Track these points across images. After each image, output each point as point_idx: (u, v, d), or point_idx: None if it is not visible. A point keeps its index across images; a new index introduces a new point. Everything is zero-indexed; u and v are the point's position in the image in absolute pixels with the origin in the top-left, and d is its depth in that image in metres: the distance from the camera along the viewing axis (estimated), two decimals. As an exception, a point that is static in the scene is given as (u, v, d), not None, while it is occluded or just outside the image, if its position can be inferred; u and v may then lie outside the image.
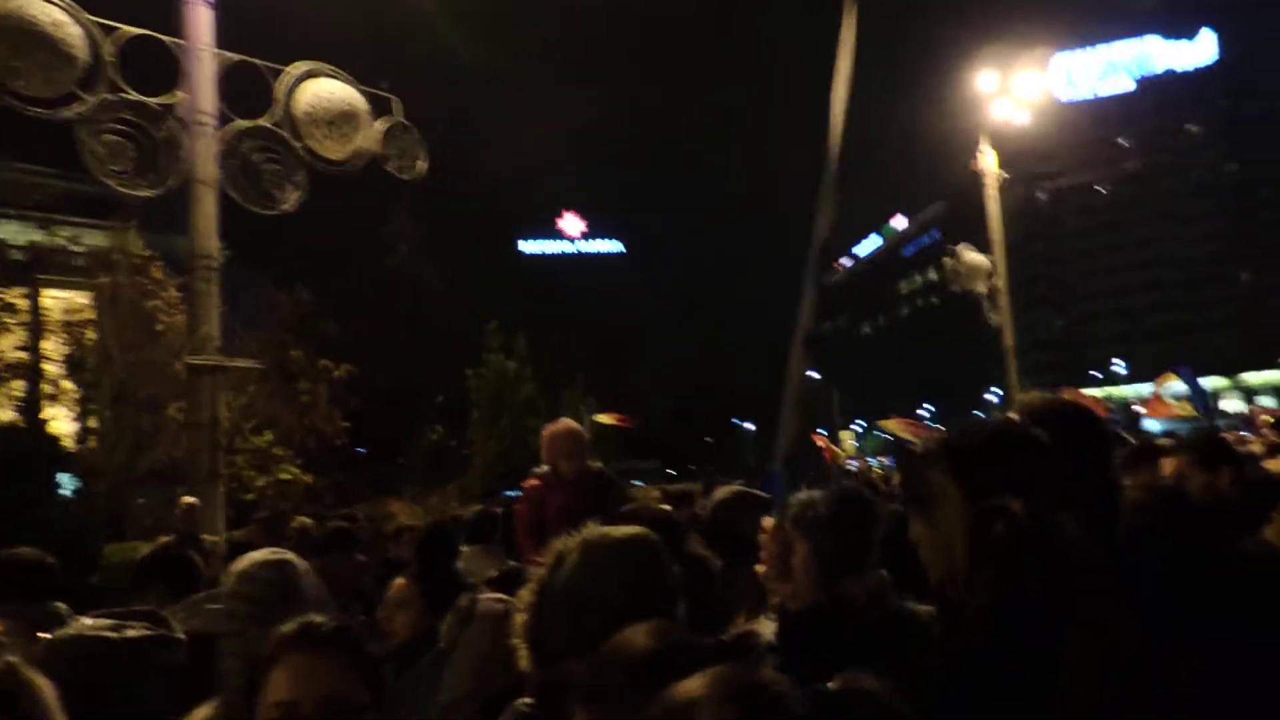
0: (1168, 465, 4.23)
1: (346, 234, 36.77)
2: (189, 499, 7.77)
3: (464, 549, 5.36)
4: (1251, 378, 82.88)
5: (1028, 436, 2.00)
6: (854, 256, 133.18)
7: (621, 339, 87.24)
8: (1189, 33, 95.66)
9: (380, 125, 10.09)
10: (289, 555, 2.60)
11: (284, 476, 18.01)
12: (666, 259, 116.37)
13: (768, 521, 2.27)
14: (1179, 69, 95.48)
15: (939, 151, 78.70)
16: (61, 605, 3.08)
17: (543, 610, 1.87)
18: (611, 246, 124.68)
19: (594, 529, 1.97)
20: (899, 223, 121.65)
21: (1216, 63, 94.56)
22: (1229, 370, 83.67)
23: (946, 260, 19.20)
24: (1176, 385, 13.61)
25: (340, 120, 9.79)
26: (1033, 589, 1.68)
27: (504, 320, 27.67)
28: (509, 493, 20.16)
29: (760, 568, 2.22)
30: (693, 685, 0.94)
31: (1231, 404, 74.07)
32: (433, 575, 3.41)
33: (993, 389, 62.40)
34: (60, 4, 7.88)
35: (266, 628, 2.07)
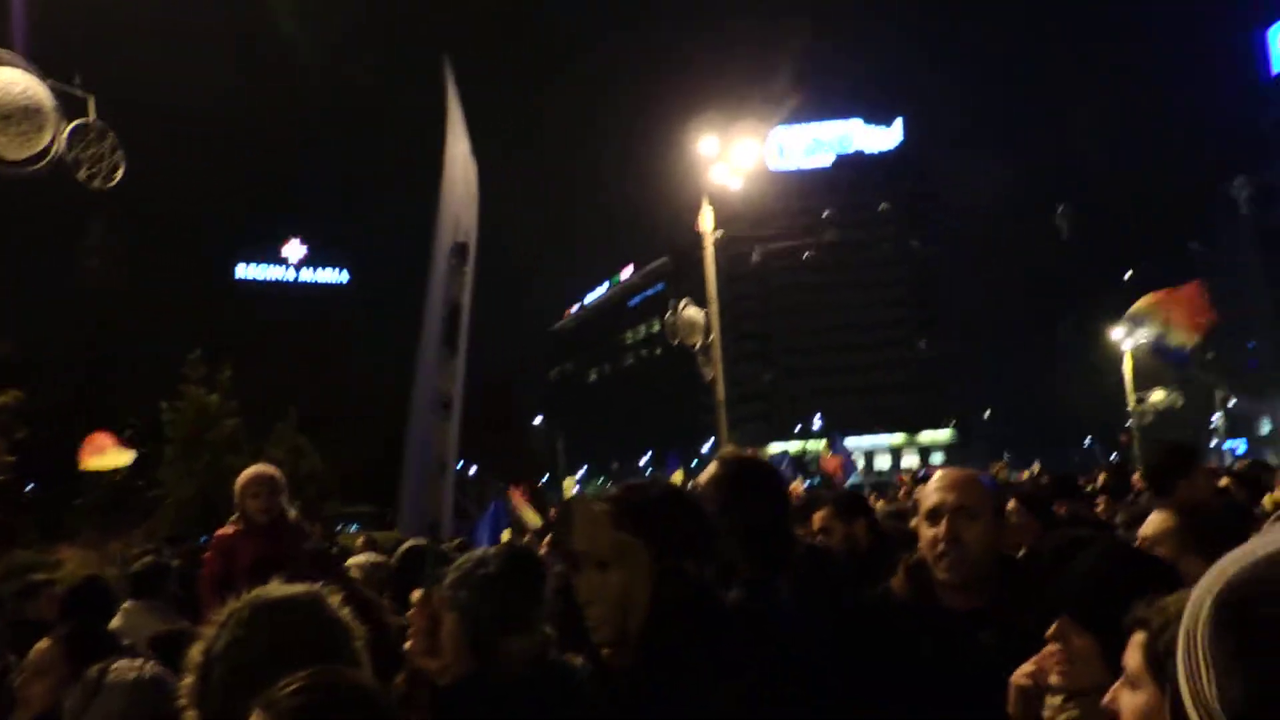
0: (818, 517, 4.59)
1: (28, 244, 32.89)
2: None
3: (127, 605, 4.82)
4: (926, 437, 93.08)
5: (692, 497, 2.11)
6: (583, 304, 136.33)
7: (341, 373, 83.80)
8: (887, 119, 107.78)
9: (69, 126, 9.12)
10: None
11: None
12: (392, 291, 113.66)
13: (415, 594, 2.20)
14: (871, 151, 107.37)
15: (666, 208, 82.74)
16: None
17: (207, 673, 1.75)
18: (335, 276, 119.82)
19: (257, 589, 1.86)
20: (627, 273, 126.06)
21: (900, 146, 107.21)
22: (909, 429, 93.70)
23: (668, 316, 20.07)
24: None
25: (21, 116, 8.71)
26: (691, 649, 1.75)
27: (210, 349, 25.70)
28: (205, 537, 18.62)
29: (407, 644, 2.14)
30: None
31: (910, 459, 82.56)
32: (81, 637, 3.02)
33: (711, 439, 65.75)
34: None
35: None
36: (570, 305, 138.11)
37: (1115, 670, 1.56)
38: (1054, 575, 2.06)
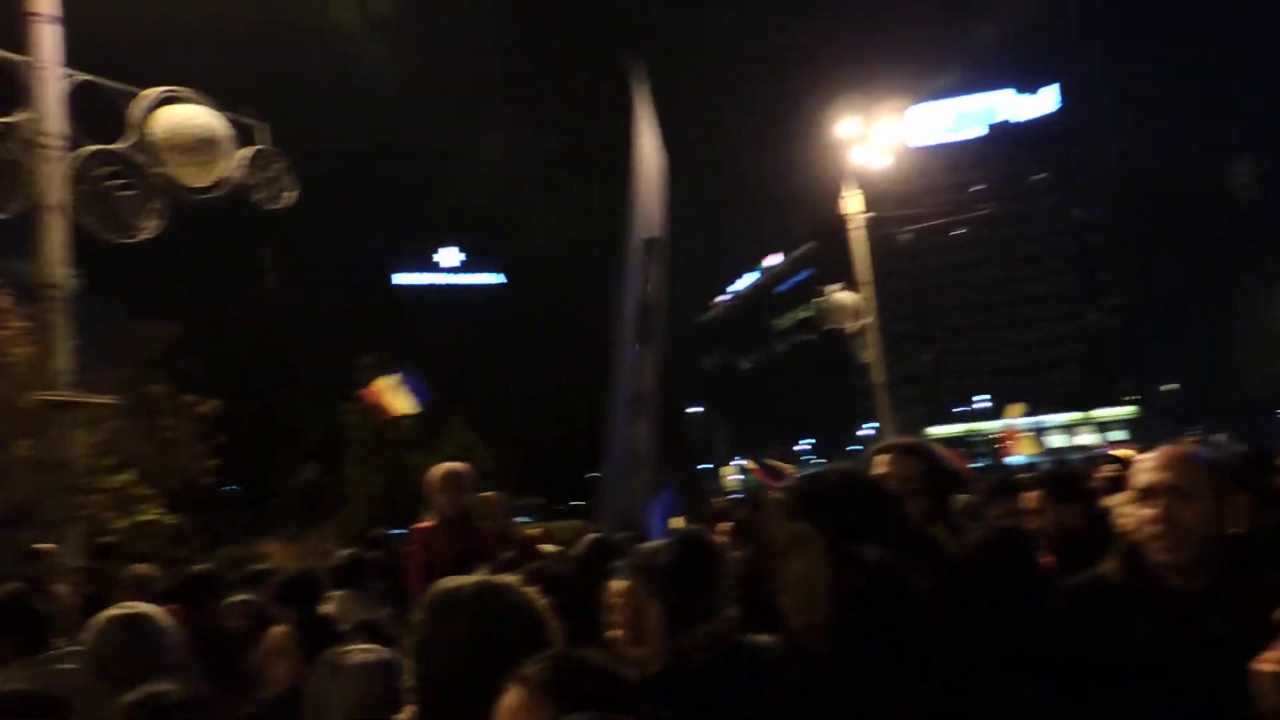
0: (1030, 499, 4.45)
1: (212, 264, 35.43)
2: (45, 545, 7.23)
3: (333, 594, 5.14)
4: (1104, 414, 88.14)
5: (875, 484, 2.08)
6: (731, 294, 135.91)
7: (504, 372, 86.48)
8: (1034, 87, 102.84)
9: (245, 153, 9.78)
10: (145, 610, 2.46)
11: (146, 518, 17.09)
12: (546, 292, 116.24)
13: (617, 584, 2.24)
14: (1021, 120, 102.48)
15: (809, 193, 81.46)
16: None
17: (424, 658, 1.84)
18: (491, 279, 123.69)
19: (446, 580, 1.94)
20: (774, 260, 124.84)
21: (1055, 113, 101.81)
22: (1083, 405, 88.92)
23: (817, 300, 19.82)
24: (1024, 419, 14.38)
25: (201, 146, 9.40)
26: (880, 636, 1.73)
27: (380, 353, 27.03)
28: (394, 530, 19.58)
29: (615, 633, 2.18)
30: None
31: (1086, 438, 78.49)
32: (311, 623, 3.28)
33: (867, 424, 64.38)
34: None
35: (119, 689, 1.95)
36: (716, 296, 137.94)
37: None
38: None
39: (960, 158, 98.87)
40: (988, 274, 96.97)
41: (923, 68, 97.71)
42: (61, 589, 6.19)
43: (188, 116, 9.45)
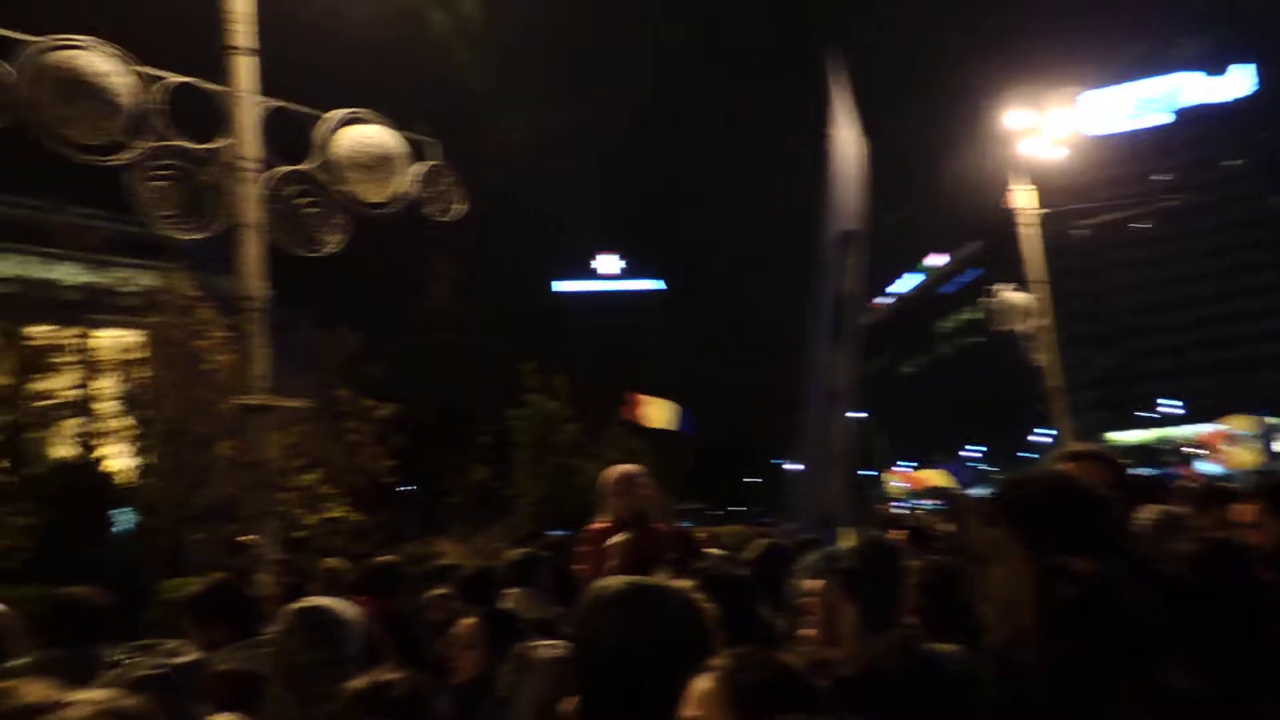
0: (1244, 511, 4.11)
1: (387, 275, 37.30)
2: (249, 537, 7.76)
3: (508, 591, 5.33)
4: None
5: (1082, 488, 1.95)
6: (892, 295, 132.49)
7: (662, 377, 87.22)
8: (1219, 69, 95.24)
9: (418, 168, 10.26)
10: (328, 604, 2.57)
11: (333, 515, 18.16)
12: (708, 297, 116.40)
13: (812, 583, 2.20)
14: (1210, 104, 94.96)
15: (975, 188, 78.44)
16: (104, 650, 3.07)
17: (587, 658, 1.87)
18: (650, 284, 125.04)
19: (601, 580, 1.96)
20: (937, 260, 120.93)
21: (1254, 95, 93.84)
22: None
23: (985, 300, 19.03)
24: (1242, 428, 13.28)
25: (378, 164, 9.93)
26: (1095, 650, 1.62)
27: (544, 359, 27.80)
28: (556, 531, 20.14)
29: (809, 631, 2.13)
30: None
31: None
32: (498, 617, 3.41)
33: (1039, 430, 61.39)
34: (108, 54, 8.13)
35: (318, 677, 2.06)
36: (876, 297, 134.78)
37: None
38: None
39: (1142, 146, 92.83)
40: (1173, 270, 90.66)
41: (1100, 52, 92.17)
42: (264, 579, 6.62)
43: (366, 136, 10.00)
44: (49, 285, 20.77)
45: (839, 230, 2.30)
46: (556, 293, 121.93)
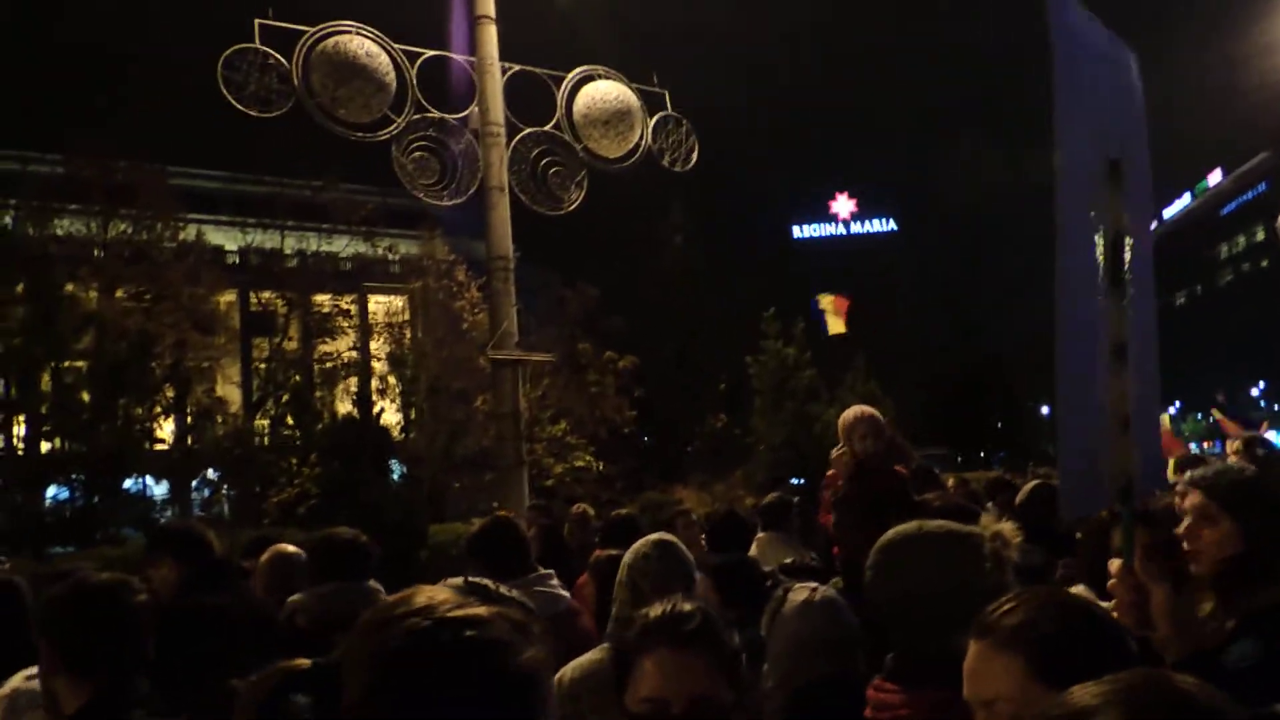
0: None
1: (624, 229, 38.13)
2: (581, 506, 8.06)
3: (760, 535, 5.38)
4: None
5: None
6: (1161, 219, 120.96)
7: (902, 320, 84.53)
8: None
9: (653, 120, 10.34)
10: (671, 538, 2.81)
11: (579, 464, 18.98)
12: (939, 238, 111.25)
13: (1114, 564, 2.00)
14: None
15: (1261, 97, 69.71)
16: (376, 584, 3.35)
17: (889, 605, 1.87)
18: (883, 226, 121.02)
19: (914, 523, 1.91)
20: (1215, 178, 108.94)
21: None
22: None
23: (1278, 220, 16.93)
24: None
25: (616, 119, 10.12)
26: None
27: (780, 306, 27.54)
28: (796, 480, 20.07)
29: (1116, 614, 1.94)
30: (1090, 691, 0.79)
31: None
32: (730, 568, 3.39)
33: (1341, 361, 54.36)
34: (371, 36, 8.72)
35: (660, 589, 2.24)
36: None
37: None
38: None
39: None
40: None
41: None
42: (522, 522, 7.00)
43: (603, 93, 10.21)
44: (328, 258, 22.80)
45: (1103, 158, 2.04)
46: (795, 239, 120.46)
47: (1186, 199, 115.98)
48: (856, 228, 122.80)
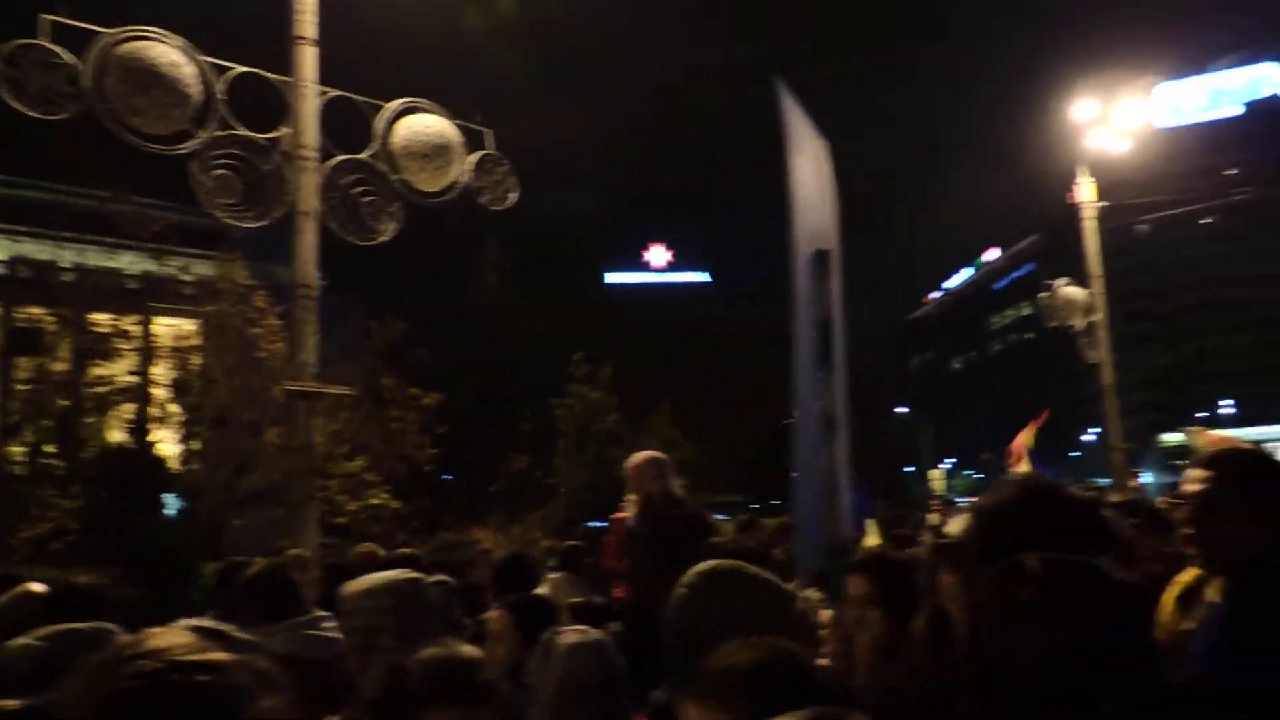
0: None
1: (437, 264, 37.65)
2: (369, 546, 7.80)
3: (551, 575, 5.43)
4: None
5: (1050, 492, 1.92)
6: (944, 290, 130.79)
7: (707, 368, 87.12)
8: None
9: (473, 158, 10.33)
10: (421, 576, 2.69)
11: (374, 502, 18.36)
12: (753, 290, 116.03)
13: (825, 614, 2.18)
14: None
15: (1034, 183, 77.12)
16: (113, 626, 3.16)
17: (673, 637, 1.92)
18: (698, 277, 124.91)
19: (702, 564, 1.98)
20: (991, 255, 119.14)
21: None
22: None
23: (1042, 295, 18.71)
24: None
25: (435, 153, 10.04)
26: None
27: (589, 350, 27.89)
28: (594, 523, 20.20)
29: (824, 662, 2.11)
30: None
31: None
32: (527, 605, 3.41)
33: (1090, 429, 60.30)
34: (177, 45, 8.29)
35: (397, 648, 2.11)
36: (930, 292, 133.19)
37: None
38: None
39: (1214, 139, 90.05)
40: (1241, 268, 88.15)
41: (1174, 42, 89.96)
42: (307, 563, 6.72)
43: (423, 125, 10.11)
44: (110, 274, 21.25)
45: (812, 251, 2.23)
46: (608, 285, 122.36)
47: (967, 272, 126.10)
48: (671, 277, 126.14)
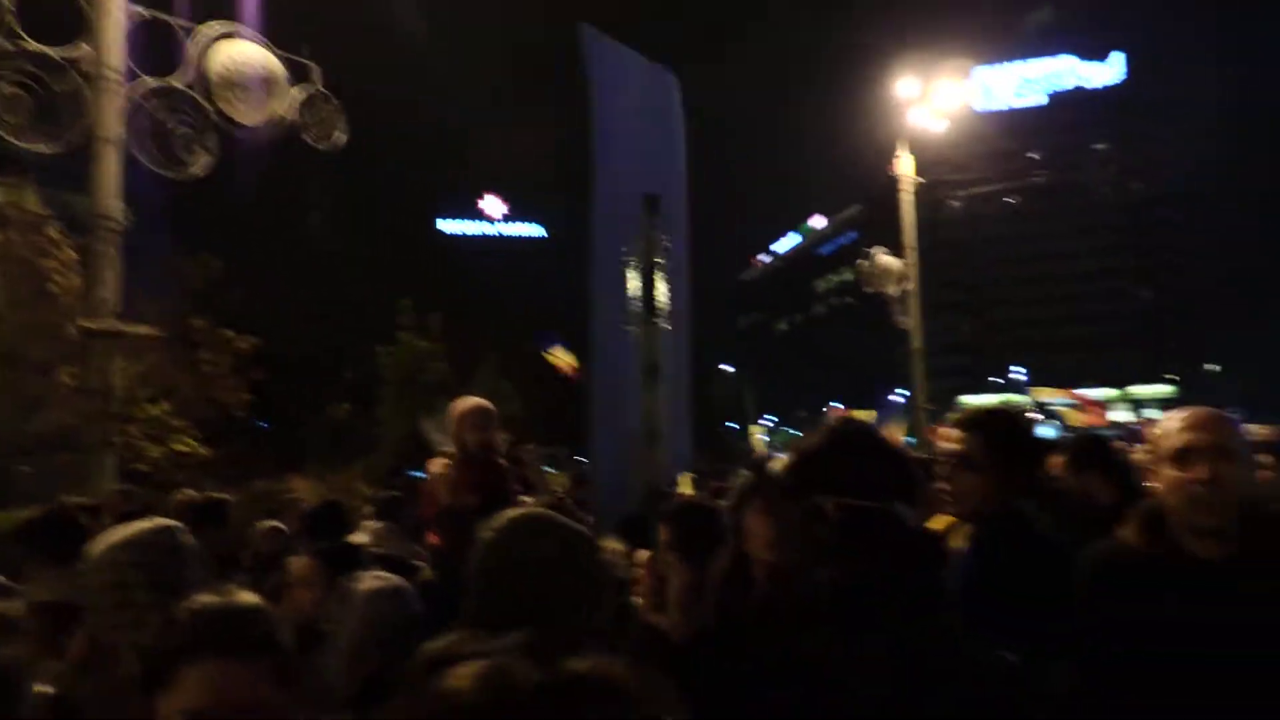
0: (1056, 464, 4.41)
1: (257, 202, 35.75)
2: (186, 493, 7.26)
3: (373, 524, 5.38)
4: (1140, 391, 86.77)
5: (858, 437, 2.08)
6: (772, 253, 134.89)
7: (540, 323, 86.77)
8: (1101, 54, 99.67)
9: (298, 92, 9.85)
10: (176, 524, 2.52)
11: (180, 448, 17.49)
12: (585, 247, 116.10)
13: (641, 554, 2.26)
14: (1088, 87, 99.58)
15: (859, 154, 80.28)
16: None
17: (475, 584, 1.90)
18: (532, 230, 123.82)
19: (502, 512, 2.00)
20: (818, 222, 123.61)
21: (1123, 83, 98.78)
22: (1119, 383, 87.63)
23: (861, 262, 19.63)
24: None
25: (256, 85, 9.53)
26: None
27: (419, 298, 27.26)
28: (418, 473, 19.90)
29: (638, 600, 2.19)
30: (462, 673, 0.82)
31: (1120, 415, 77.47)
32: (335, 552, 3.37)
33: (899, 390, 63.86)
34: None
35: (155, 602, 2.00)
36: (758, 254, 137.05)
37: None
38: None
39: (1022, 124, 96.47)
40: (1040, 246, 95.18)
41: (992, 30, 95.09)
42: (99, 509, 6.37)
43: (244, 54, 9.54)
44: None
45: (639, 194, 2.18)
46: (440, 232, 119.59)
47: (795, 237, 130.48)
48: (506, 229, 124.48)
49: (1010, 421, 2.77)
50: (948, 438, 2.58)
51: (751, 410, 60.41)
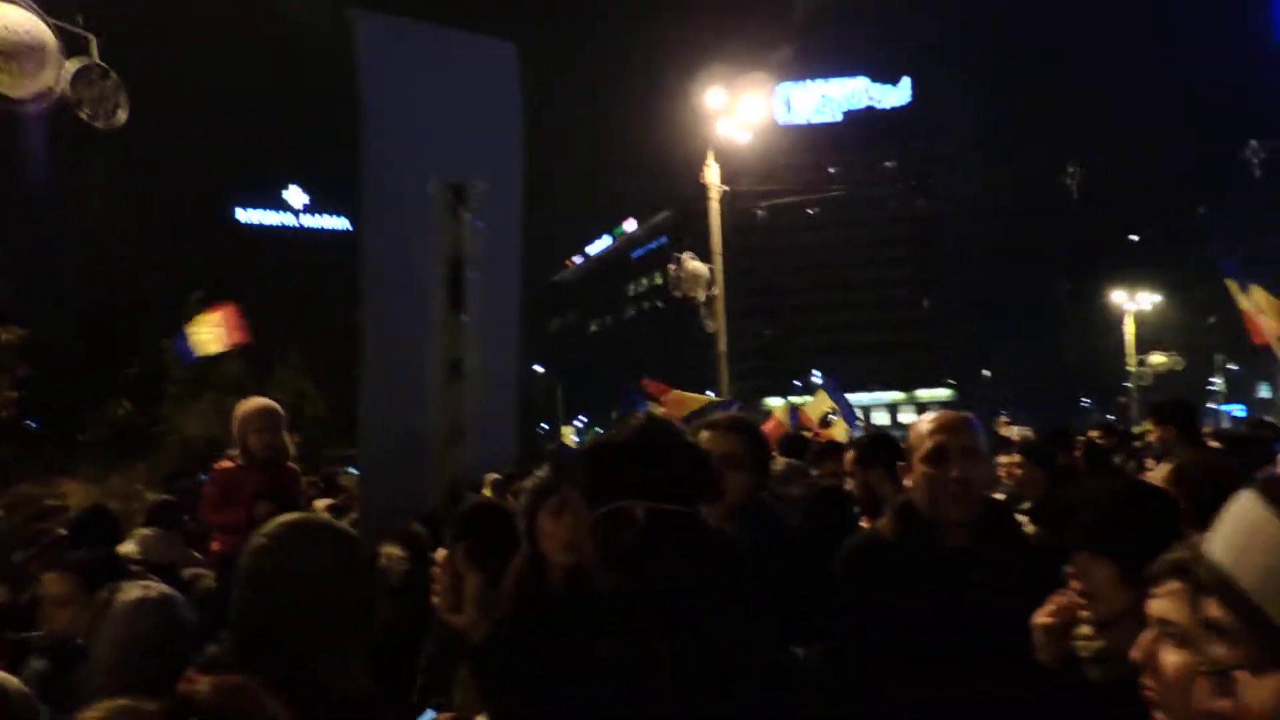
0: (848, 460, 4.73)
1: (28, 182, 32.76)
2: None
3: (143, 532, 5.00)
4: (924, 394, 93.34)
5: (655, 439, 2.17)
6: (585, 255, 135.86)
7: (345, 319, 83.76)
8: (894, 78, 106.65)
9: (72, 65, 9.09)
10: None
11: (-71, 450, 15.84)
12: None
13: (440, 553, 2.22)
14: (880, 108, 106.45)
15: (671, 160, 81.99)
16: None
17: (241, 591, 1.86)
18: (337, 223, 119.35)
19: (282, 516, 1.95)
20: (630, 225, 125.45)
21: (909, 105, 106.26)
22: (907, 387, 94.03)
23: (670, 267, 20.09)
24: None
25: (23, 54, 8.71)
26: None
27: (212, 290, 25.69)
28: (204, 476, 18.76)
29: (435, 599, 2.16)
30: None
31: (906, 417, 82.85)
32: (93, 563, 3.11)
33: (708, 392, 65.64)
34: None
35: None
36: (571, 256, 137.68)
37: (1138, 593, 1.62)
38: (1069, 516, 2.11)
39: (822, 140, 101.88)
40: (836, 255, 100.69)
41: (796, 46, 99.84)
42: None
43: (9, 19, 8.70)
44: None
45: (441, 183, 2.10)
46: (239, 222, 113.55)
47: (607, 239, 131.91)
48: (309, 220, 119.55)
49: (755, 425, 3.24)
50: (705, 440, 2.89)
51: (563, 410, 60.60)
